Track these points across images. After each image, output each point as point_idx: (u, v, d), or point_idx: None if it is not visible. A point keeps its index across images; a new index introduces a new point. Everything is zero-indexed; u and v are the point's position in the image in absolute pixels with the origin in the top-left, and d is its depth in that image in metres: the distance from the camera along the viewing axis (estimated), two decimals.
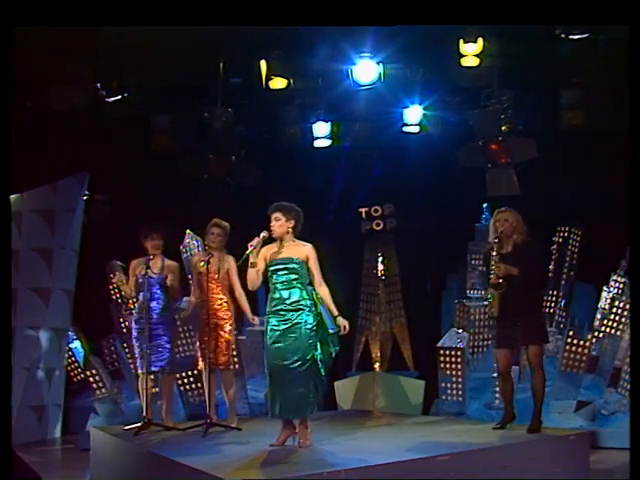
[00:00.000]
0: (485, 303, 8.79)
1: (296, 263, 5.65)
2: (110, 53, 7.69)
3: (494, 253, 6.26)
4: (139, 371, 7.10)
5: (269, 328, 5.66)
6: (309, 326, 5.58)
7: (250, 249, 5.63)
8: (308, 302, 5.62)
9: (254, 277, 5.69)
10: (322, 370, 5.61)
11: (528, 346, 6.30)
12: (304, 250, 5.71)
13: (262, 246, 5.78)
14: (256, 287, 5.77)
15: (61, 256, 9.25)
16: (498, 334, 6.54)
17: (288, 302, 5.62)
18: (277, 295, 5.66)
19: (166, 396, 7.16)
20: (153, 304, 7.04)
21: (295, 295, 5.63)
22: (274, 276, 5.69)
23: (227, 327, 6.94)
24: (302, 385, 5.54)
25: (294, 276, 5.65)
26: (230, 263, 6.92)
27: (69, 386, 9.68)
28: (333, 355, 5.67)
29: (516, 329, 6.25)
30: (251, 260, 5.62)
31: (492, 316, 6.48)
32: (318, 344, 5.58)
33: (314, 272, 5.69)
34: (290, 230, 5.73)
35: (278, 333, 5.60)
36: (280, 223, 5.69)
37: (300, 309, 5.60)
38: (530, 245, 6.34)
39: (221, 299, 6.95)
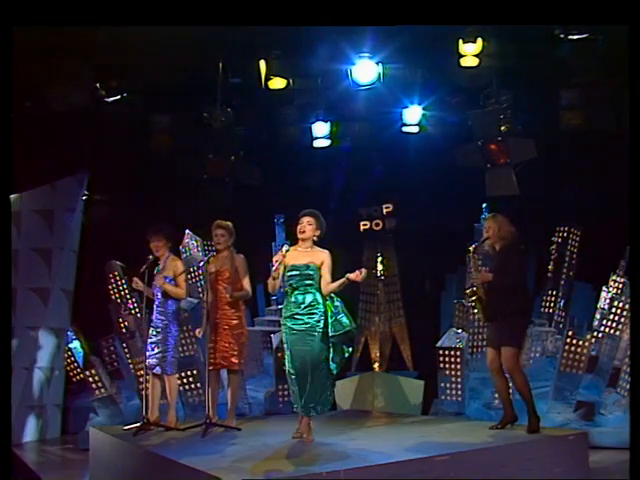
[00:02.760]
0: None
1: (312, 269, 5.97)
2: (110, 53, 7.68)
3: (473, 261, 6.56)
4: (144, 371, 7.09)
5: (287, 331, 5.99)
6: (322, 329, 5.90)
7: (275, 265, 5.94)
8: (321, 306, 5.94)
9: (275, 286, 6.04)
10: (334, 370, 5.97)
11: (501, 348, 6.34)
12: (321, 256, 6.02)
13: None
14: (276, 292, 6.23)
15: (60, 256, 9.25)
16: (487, 333, 6.78)
17: (303, 306, 5.94)
18: (293, 299, 5.98)
19: (171, 397, 7.12)
20: (157, 304, 7.02)
21: (309, 299, 5.95)
22: (291, 280, 6.00)
23: (237, 328, 6.92)
24: (320, 384, 5.92)
25: (309, 281, 5.97)
26: (240, 262, 6.93)
27: (68, 386, 9.67)
28: (346, 356, 6.05)
29: (494, 330, 6.47)
30: (274, 275, 5.93)
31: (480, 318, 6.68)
32: (331, 345, 5.92)
33: (325, 275, 5.98)
34: (315, 237, 6.07)
35: (296, 336, 5.94)
36: (312, 227, 6.04)
37: (314, 313, 5.93)
38: (508, 252, 6.43)
39: (230, 299, 6.89)
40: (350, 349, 6.07)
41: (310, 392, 5.91)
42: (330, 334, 5.90)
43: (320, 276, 5.99)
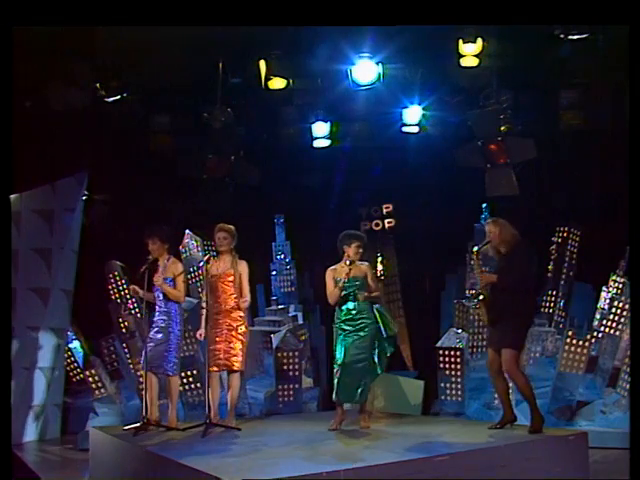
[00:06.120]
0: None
1: (359, 281, 6.83)
2: (110, 53, 7.70)
3: (475, 263, 6.66)
4: (143, 371, 7.06)
5: (341, 332, 6.82)
6: (370, 331, 6.76)
7: (344, 279, 6.74)
8: (370, 312, 6.81)
9: (338, 296, 6.82)
10: (378, 369, 6.83)
11: (501, 350, 6.33)
12: (364, 269, 6.90)
13: None
14: (336, 303, 6.88)
15: (60, 256, 9.23)
16: (488, 335, 6.89)
17: (354, 312, 6.80)
18: (346, 306, 6.83)
19: (172, 398, 7.09)
20: (158, 305, 7.00)
21: (358, 306, 6.81)
22: (344, 291, 6.81)
23: (241, 329, 6.95)
24: (363, 378, 6.74)
25: (359, 291, 6.81)
26: (243, 269, 6.98)
27: (68, 386, 9.65)
28: (388, 354, 6.91)
29: (495, 332, 6.46)
30: (341, 285, 6.78)
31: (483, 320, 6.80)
32: (376, 346, 6.79)
33: (371, 285, 6.88)
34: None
35: (349, 337, 6.76)
36: (361, 251, 6.87)
37: (364, 317, 6.79)
38: (513, 254, 6.43)
39: (234, 301, 6.93)
40: (392, 349, 6.95)
41: (353, 384, 6.70)
42: (382, 335, 6.78)
43: (365, 284, 6.82)
